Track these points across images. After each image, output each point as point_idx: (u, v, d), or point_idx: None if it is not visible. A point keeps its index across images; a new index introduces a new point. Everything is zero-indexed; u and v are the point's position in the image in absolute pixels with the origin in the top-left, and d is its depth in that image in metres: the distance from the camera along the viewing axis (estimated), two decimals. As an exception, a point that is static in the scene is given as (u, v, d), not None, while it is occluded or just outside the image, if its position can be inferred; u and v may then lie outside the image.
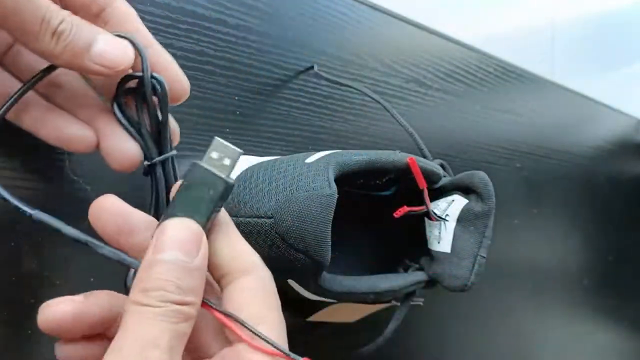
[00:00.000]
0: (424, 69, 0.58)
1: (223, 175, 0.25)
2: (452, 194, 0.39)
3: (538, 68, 0.77)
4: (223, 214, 0.26)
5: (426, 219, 0.40)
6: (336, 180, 0.33)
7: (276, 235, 0.32)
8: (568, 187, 0.82)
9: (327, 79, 0.45)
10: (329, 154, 0.35)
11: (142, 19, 0.30)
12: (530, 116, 0.74)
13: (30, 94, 0.27)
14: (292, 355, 0.23)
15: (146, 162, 0.29)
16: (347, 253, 0.43)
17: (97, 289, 0.34)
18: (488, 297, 0.67)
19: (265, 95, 0.43)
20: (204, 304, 0.24)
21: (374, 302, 0.38)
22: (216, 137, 0.26)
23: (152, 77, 0.27)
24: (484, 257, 0.38)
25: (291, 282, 0.35)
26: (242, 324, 0.23)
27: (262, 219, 0.33)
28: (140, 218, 0.25)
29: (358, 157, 0.35)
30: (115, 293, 0.26)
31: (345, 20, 0.50)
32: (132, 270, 0.27)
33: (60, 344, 0.25)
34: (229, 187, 0.25)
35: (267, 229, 0.32)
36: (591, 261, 0.88)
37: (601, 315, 0.91)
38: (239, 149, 0.26)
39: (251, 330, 0.23)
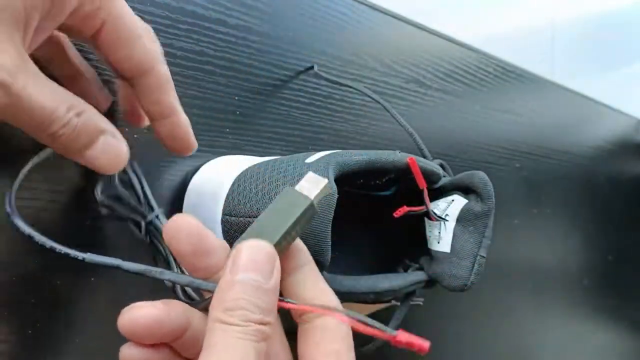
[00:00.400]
0: (424, 69, 0.58)
1: (310, 196, 0.26)
2: (452, 194, 0.39)
3: (538, 68, 0.77)
4: (306, 253, 0.27)
5: (426, 219, 0.40)
6: (336, 180, 0.33)
7: (276, 235, 0.32)
8: (568, 187, 0.82)
9: (327, 79, 0.45)
10: (329, 154, 0.35)
11: (142, 18, 0.30)
12: (530, 116, 0.74)
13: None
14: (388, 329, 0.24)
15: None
16: (347, 253, 0.43)
17: (97, 289, 0.34)
18: (488, 297, 0.67)
19: (265, 95, 0.43)
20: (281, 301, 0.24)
21: (374, 302, 0.38)
22: (310, 172, 0.28)
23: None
24: (483, 257, 0.38)
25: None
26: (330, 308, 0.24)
27: (262, 219, 0.33)
28: (215, 239, 0.26)
29: (358, 157, 0.35)
30: (187, 306, 0.26)
31: (345, 20, 0.50)
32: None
33: (129, 345, 0.25)
34: (310, 208, 0.26)
35: (267, 229, 0.32)
36: (591, 261, 0.88)
37: (601, 315, 0.91)
38: (325, 179, 0.27)
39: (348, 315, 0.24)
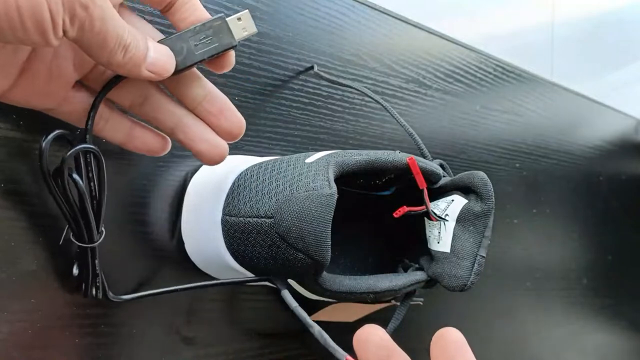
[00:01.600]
0: (424, 69, 0.58)
1: (236, 38, 0.30)
2: (452, 194, 0.39)
3: (538, 68, 0.77)
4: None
5: (426, 219, 0.40)
6: (336, 180, 0.33)
7: (276, 235, 0.32)
8: (568, 187, 0.82)
9: (327, 79, 0.45)
10: (329, 154, 0.35)
11: (142, 19, 0.30)
12: (530, 116, 0.74)
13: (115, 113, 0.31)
14: None
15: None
16: (347, 253, 0.43)
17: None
18: (488, 297, 0.67)
19: (265, 95, 0.43)
20: None
21: (373, 302, 0.38)
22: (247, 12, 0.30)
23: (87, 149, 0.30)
24: (483, 257, 0.38)
25: (291, 281, 0.35)
26: None
27: (262, 219, 0.33)
28: (400, 357, 0.26)
29: (358, 157, 0.35)
30: None
31: (345, 21, 0.50)
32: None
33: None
34: (230, 48, 0.30)
35: (267, 229, 0.33)
36: (591, 261, 0.88)
37: (601, 315, 0.91)
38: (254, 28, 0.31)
39: None
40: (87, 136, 0.30)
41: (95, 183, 0.31)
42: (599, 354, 0.91)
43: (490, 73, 0.67)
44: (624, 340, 0.99)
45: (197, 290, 0.40)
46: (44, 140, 0.29)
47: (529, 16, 1.30)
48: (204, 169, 0.39)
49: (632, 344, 1.01)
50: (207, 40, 0.30)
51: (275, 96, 0.44)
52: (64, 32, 0.24)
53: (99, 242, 0.32)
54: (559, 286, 0.81)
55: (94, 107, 0.29)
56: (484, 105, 0.66)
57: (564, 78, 0.90)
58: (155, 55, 0.28)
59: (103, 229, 0.32)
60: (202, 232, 0.36)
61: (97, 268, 0.32)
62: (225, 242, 0.35)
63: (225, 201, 0.35)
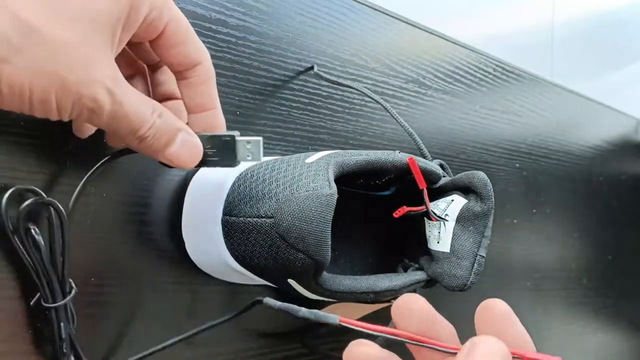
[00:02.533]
0: (424, 70, 0.58)
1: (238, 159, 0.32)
2: (452, 193, 0.39)
3: (538, 68, 0.78)
4: None
5: (426, 219, 0.40)
6: (336, 180, 0.33)
7: (276, 235, 0.32)
8: (568, 187, 0.82)
9: (327, 79, 0.46)
10: (329, 154, 0.35)
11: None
12: (530, 116, 0.74)
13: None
14: None
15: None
16: (347, 253, 0.43)
17: (97, 288, 0.34)
18: (488, 297, 0.67)
19: (265, 95, 0.43)
20: None
21: (373, 302, 0.38)
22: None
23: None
24: (483, 257, 0.38)
25: (291, 281, 0.35)
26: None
27: (263, 219, 0.33)
28: (443, 325, 0.25)
29: (358, 157, 0.35)
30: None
31: (345, 21, 0.50)
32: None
33: None
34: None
35: (267, 229, 0.33)
36: (591, 261, 0.88)
37: (601, 315, 0.91)
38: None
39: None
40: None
41: (57, 238, 0.30)
42: (599, 353, 0.91)
43: (490, 73, 0.67)
44: (624, 340, 0.99)
45: (197, 290, 0.40)
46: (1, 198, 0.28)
47: (529, 16, 1.30)
48: (204, 170, 0.39)
49: (632, 343, 1.01)
50: (210, 152, 0.31)
51: (275, 96, 0.44)
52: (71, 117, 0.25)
53: (64, 301, 0.30)
54: (559, 286, 0.81)
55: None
56: (484, 106, 0.66)
57: (564, 78, 0.90)
58: (179, 150, 0.29)
59: (74, 286, 0.31)
60: (203, 232, 0.36)
61: (62, 331, 0.30)
62: (225, 242, 0.35)
63: (225, 201, 0.35)
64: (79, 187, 0.31)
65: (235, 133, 0.31)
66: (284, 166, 0.35)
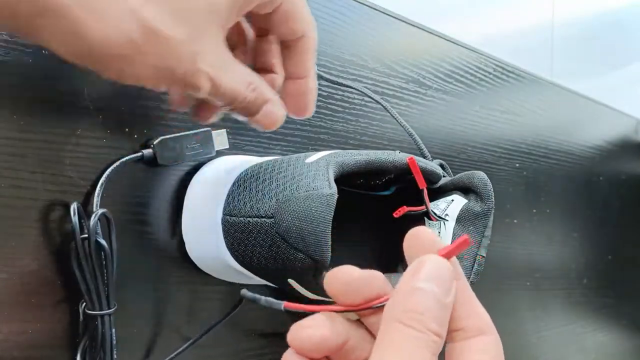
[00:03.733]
0: (424, 70, 0.58)
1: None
2: (452, 193, 0.39)
3: (538, 68, 0.78)
4: (461, 269, 0.26)
5: (426, 219, 0.40)
6: (336, 180, 0.33)
7: (276, 234, 0.32)
8: (568, 187, 0.82)
9: (327, 79, 0.45)
10: (329, 154, 0.35)
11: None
12: (530, 116, 0.74)
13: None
14: None
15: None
16: (347, 253, 0.43)
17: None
18: (488, 297, 0.67)
19: (265, 96, 0.43)
20: None
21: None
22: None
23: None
24: (483, 257, 0.38)
25: (291, 281, 0.35)
26: None
27: (263, 219, 0.33)
28: (375, 279, 0.26)
29: (358, 157, 0.35)
30: (346, 320, 0.26)
31: (345, 21, 0.50)
32: None
33: (291, 353, 0.25)
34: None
35: (267, 229, 0.33)
36: (591, 261, 0.88)
37: (601, 315, 0.91)
38: None
39: None
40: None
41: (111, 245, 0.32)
42: (599, 353, 0.91)
43: (490, 73, 0.67)
44: (624, 340, 0.99)
45: (197, 290, 0.40)
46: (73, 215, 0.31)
47: (529, 16, 1.30)
48: (205, 169, 0.39)
49: (632, 343, 1.01)
50: (195, 145, 0.37)
51: (276, 96, 0.44)
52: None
53: (111, 310, 0.32)
54: (559, 286, 0.81)
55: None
56: (484, 106, 0.66)
57: (564, 78, 0.90)
58: (260, 119, 0.32)
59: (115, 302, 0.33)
60: (203, 232, 0.36)
61: (113, 338, 0.33)
62: (225, 242, 0.35)
63: (225, 201, 0.35)
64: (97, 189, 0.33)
65: (207, 129, 0.38)
66: (284, 166, 0.35)
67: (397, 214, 0.36)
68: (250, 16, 0.32)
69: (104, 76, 0.26)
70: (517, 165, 0.71)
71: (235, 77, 0.30)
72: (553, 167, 0.79)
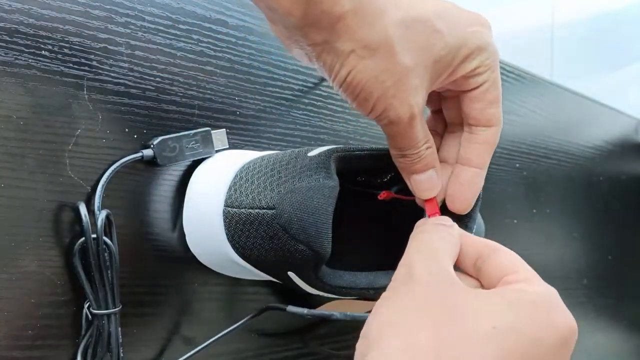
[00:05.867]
0: (424, 69, 0.58)
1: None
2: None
3: (538, 68, 0.77)
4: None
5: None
6: (338, 175, 0.33)
7: (278, 226, 0.32)
8: (568, 187, 0.82)
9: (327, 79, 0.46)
10: (332, 148, 0.35)
11: (142, 19, 0.30)
12: (530, 116, 0.74)
13: None
14: None
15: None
16: (348, 251, 0.43)
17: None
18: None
19: (265, 96, 0.43)
20: None
21: (373, 299, 0.38)
22: None
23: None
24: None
25: (291, 274, 0.35)
26: None
27: (264, 210, 0.33)
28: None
29: (360, 152, 0.35)
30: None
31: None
32: None
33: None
34: None
35: (268, 220, 0.33)
36: (591, 261, 0.88)
37: (601, 315, 0.91)
38: None
39: None
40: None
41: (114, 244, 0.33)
42: (599, 353, 0.91)
43: (490, 73, 0.67)
44: (624, 340, 0.99)
45: (197, 290, 0.40)
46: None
47: (529, 16, 1.30)
48: (208, 162, 0.39)
49: (632, 343, 1.01)
50: (195, 145, 0.37)
51: (276, 96, 0.44)
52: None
53: (116, 309, 0.33)
54: (559, 286, 0.81)
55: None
56: (484, 105, 0.66)
57: (564, 78, 0.90)
58: (423, 180, 0.32)
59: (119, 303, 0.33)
60: (204, 224, 0.36)
61: (119, 337, 0.33)
62: (226, 233, 0.35)
63: (227, 193, 0.35)
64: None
65: (207, 129, 0.38)
66: (286, 159, 0.35)
67: (381, 196, 0.37)
68: (447, 97, 0.33)
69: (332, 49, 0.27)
70: (517, 165, 0.71)
71: (424, 127, 0.31)
72: (553, 167, 0.79)
